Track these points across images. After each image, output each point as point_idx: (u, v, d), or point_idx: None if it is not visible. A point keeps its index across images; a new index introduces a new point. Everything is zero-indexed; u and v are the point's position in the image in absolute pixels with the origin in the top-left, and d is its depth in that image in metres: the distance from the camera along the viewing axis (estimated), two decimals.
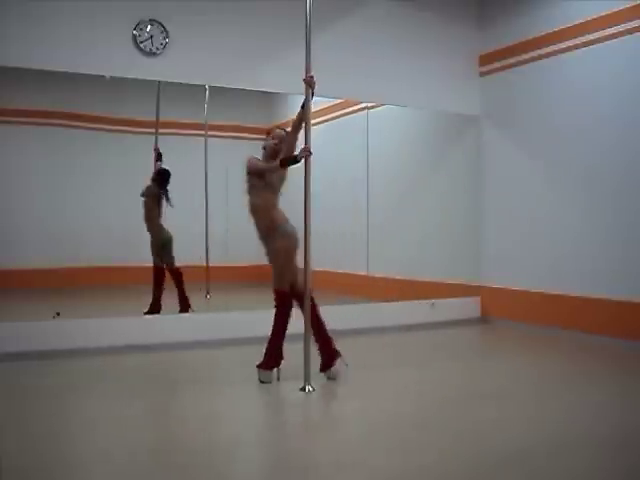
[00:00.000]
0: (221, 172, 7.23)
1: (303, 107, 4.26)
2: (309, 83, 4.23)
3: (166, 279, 6.26)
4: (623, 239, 5.66)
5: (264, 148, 4.50)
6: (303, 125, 4.26)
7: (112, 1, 5.39)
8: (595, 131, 5.90)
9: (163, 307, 6.07)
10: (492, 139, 7.07)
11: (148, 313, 5.96)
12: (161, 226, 6.35)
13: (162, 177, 6.41)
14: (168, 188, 6.37)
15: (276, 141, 4.45)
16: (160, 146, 6.41)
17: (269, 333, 4.33)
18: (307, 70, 4.24)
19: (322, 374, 4.33)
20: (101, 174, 6.94)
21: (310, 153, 4.18)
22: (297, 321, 4.24)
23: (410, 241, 7.46)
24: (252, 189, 4.41)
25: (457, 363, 5.15)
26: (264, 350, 4.33)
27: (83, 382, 4.41)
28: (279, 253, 4.31)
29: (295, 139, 4.42)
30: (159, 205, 6.34)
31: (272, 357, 4.30)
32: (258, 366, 4.30)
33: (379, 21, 6.57)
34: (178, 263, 6.44)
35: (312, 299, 4.27)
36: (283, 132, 4.50)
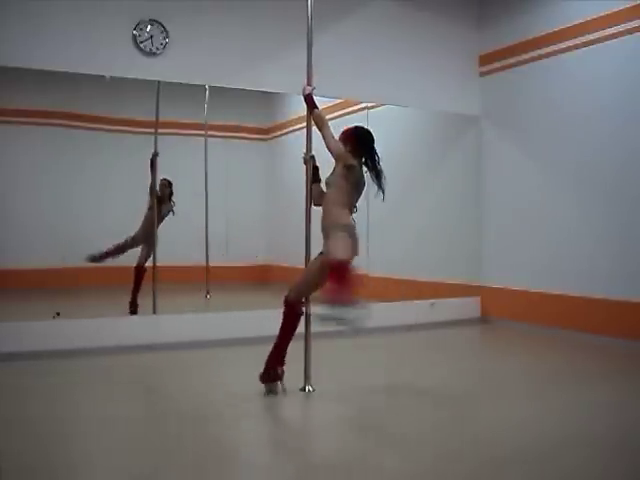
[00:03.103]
0: (221, 172, 7.24)
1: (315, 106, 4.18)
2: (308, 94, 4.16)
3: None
4: (623, 240, 5.66)
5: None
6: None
7: (112, 1, 5.39)
8: (596, 131, 5.90)
9: (161, 307, 6.09)
10: (492, 139, 7.07)
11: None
12: None
13: None
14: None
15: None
16: (160, 146, 6.38)
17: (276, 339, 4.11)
18: (308, 76, 4.21)
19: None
20: (101, 174, 6.94)
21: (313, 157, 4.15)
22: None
23: (410, 241, 7.46)
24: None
25: (456, 363, 5.15)
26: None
27: (83, 382, 4.41)
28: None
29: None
30: None
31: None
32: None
33: (379, 21, 6.57)
34: (179, 263, 6.48)
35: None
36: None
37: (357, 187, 4.09)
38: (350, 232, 3.95)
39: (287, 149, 8.23)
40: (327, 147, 4.07)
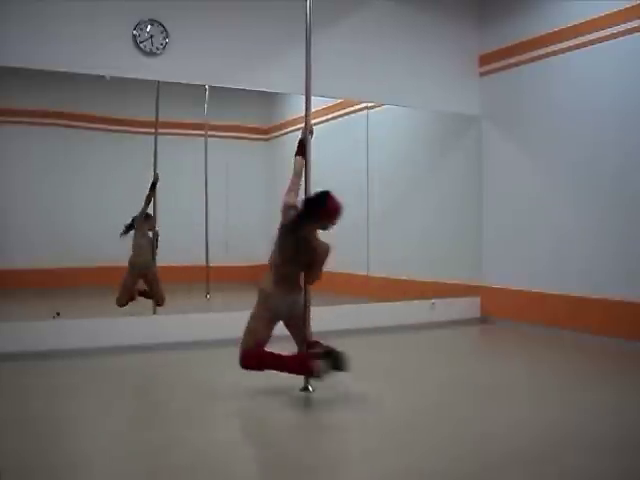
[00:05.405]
0: (221, 172, 7.23)
1: (299, 154, 4.14)
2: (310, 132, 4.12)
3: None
4: (623, 240, 5.66)
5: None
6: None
7: (112, 1, 5.40)
8: (596, 131, 5.90)
9: (165, 307, 6.10)
10: (492, 139, 7.07)
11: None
12: None
13: None
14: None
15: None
16: (160, 146, 6.37)
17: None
18: (307, 74, 4.21)
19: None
20: (101, 174, 6.93)
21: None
22: None
23: (410, 241, 7.46)
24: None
25: (456, 363, 5.15)
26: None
27: (83, 382, 4.42)
28: None
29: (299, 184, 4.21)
30: None
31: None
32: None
33: (379, 21, 6.57)
34: (179, 263, 6.49)
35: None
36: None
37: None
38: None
39: (287, 149, 8.22)
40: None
